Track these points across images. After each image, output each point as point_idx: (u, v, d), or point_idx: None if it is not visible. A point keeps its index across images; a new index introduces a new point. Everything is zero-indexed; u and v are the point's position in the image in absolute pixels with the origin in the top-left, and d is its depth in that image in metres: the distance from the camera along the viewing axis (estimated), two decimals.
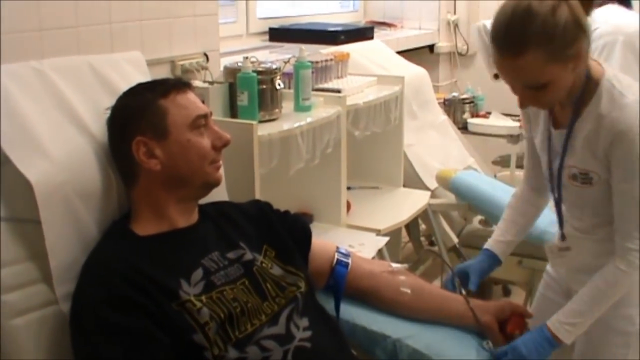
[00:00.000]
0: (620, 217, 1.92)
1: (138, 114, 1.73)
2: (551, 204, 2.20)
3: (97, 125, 1.80)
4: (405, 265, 2.14)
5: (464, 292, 2.11)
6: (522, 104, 1.89)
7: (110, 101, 1.82)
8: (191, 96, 1.78)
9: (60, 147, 1.70)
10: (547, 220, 2.38)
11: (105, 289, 1.56)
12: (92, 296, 1.57)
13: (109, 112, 1.79)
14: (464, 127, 4.65)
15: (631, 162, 1.83)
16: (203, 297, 1.63)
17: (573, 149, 1.95)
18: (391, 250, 3.04)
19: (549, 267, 2.33)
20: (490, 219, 3.57)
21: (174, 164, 1.72)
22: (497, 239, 2.27)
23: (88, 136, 1.78)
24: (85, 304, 1.57)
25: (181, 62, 2.69)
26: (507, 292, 4.26)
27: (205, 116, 1.77)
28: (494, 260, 2.23)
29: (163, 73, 2.53)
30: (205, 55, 2.81)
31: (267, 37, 4.10)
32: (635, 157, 1.82)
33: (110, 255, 1.64)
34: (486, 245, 2.27)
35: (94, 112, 1.82)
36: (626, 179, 1.86)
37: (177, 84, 1.79)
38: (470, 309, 2.03)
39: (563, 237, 2.13)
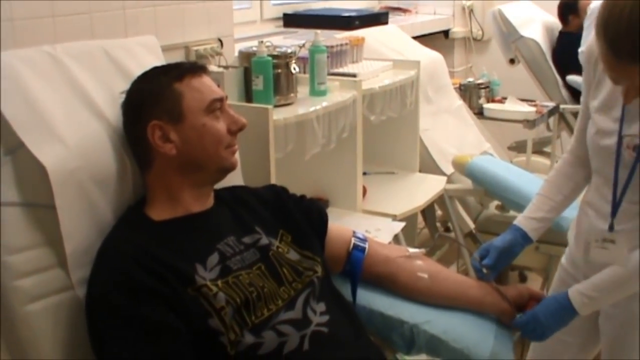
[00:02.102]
0: None
1: (153, 98, 1.71)
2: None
3: (112, 109, 1.79)
4: (422, 250, 2.12)
5: (485, 270, 2.08)
6: (629, 100, 1.79)
7: (125, 85, 1.80)
8: (206, 80, 1.76)
9: (75, 132, 1.68)
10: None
11: (120, 274, 1.55)
12: (107, 282, 1.56)
13: (123, 96, 1.78)
14: (479, 113, 4.62)
15: None
16: (219, 282, 1.62)
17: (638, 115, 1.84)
18: (407, 235, 3.03)
19: (564, 260, 2.27)
20: (507, 204, 3.55)
21: (189, 149, 1.71)
22: (527, 215, 2.16)
23: (103, 121, 1.76)
24: (100, 290, 1.56)
25: (195, 48, 2.68)
26: (523, 278, 4.24)
27: (221, 100, 1.75)
28: (521, 237, 2.13)
29: (177, 59, 2.50)
30: (220, 40, 2.79)
31: (281, 23, 4.09)
32: None
33: (125, 241, 1.63)
34: (515, 222, 2.17)
35: (109, 97, 1.81)
36: None
37: (192, 68, 1.77)
38: (495, 288, 2.01)
39: (611, 227, 1.99)
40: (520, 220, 2.17)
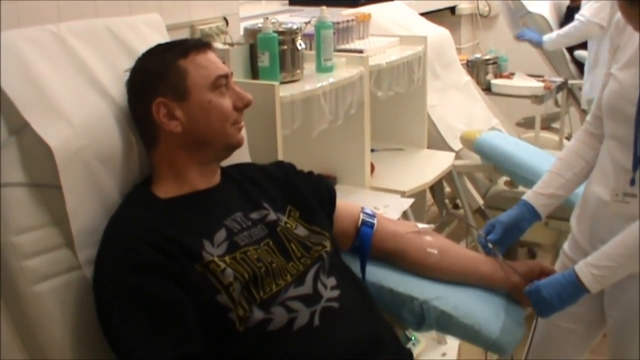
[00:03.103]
0: None
1: (157, 75, 1.69)
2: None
3: (117, 88, 1.77)
4: (432, 226, 2.10)
5: (490, 245, 2.06)
6: None
7: (130, 64, 1.78)
8: (211, 56, 1.74)
9: (80, 111, 1.66)
10: None
11: (127, 253, 1.54)
12: (114, 261, 1.55)
13: (128, 74, 1.76)
14: (487, 88, 4.61)
15: None
16: (227, 258, 1.61)
17: None
18: (416, 212, 3.02)
19: (566, 247, 2.24)
20: (516, 179, 3.54)
21: (195, 126, 1.69)
22: (536, 191, 2.15)
23: (108, 99, 1.74)
24: (107, 269, 1.55)
25: (200, 27, 2.66)
26: (532, 255, 4.22)
27: (226, 76, 1.73)
28: (529, 212, 2.13)
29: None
30: (225, 19, 2.77)
31: (287, 1, 4.06)
32: None
33: (132, 219, 1.62)
34: (524, 197, 2.17)
35: (113, 75, 1.79)
36: None
37: (196, 44, 1.75)
38: (502, 264, 2.00)
39: (633, 181, 1.94)
40: (529, 195, 2.16)
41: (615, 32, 2.01)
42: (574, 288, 1.87)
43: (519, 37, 4.92)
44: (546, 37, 4.73)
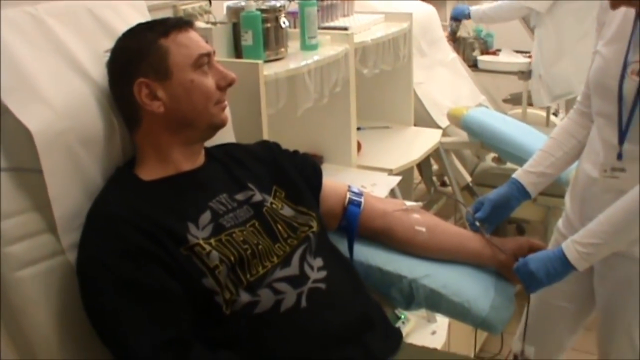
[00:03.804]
0: None
1: (138, 55, 1.66)
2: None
3: (97, 69, 1.74)
4: (420, 203, 2.10)
5: (478, 224, 2.05)
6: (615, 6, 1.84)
7: (110, 44, 1.74)
8: (193, 35, 1.72)
9: (60, 94, 1.63)
10: None
11: (111, 236, 1.52)
12: (98, 245, 1.53)
13: (108, 54, 1.73)
14: (474, 65, 4.60)
15: None
16: (212, 241, 1.59)
17: None
18: (403, 190, 3.03)
19: (560, 224, 2.24)
20: (504, 156, 3.54)
21: (177, 106, 1.66)
22: (526, 169, 2.16)
23: (88, 81, 1.71)
24: (91, 254, 1.53)
25: (183, 7, 2.64)
26: (521, 232, 4.23)
27: (209, 55, 1.71)
28: (518, 191, 2.14)
29: None
30: None
31: None
32: None
33: (115, 202, 1.60)
34: (513, 175, 2.17)
35: (94, 56, 1.76)
36: None
37: (177, 23, 1.72)
38: (488, 241, 1.99)
39: (620, 155, 1.94)
40: (519, 173, 2.17)
41: (601, 10, 2.01)
42: (562, 264, 1.87)
43: (453, 17, 4.82)
44: (473, 9, 4.63)
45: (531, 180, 2.14)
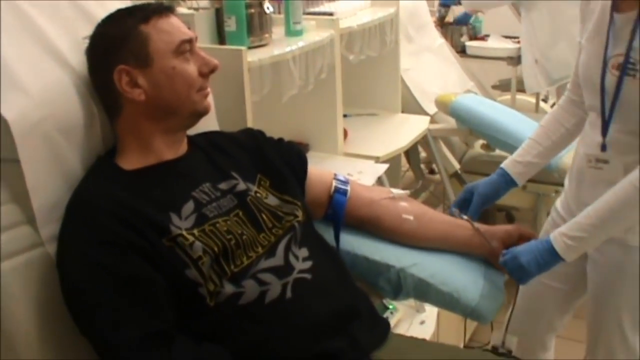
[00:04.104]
0: None
1: (118, 42, 1.64)
2: None
3: (76, 56, 1.72)
4: (407, 192, 2.09)
5: (465, 217, 2.06)
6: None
7: (89, 31, 1.72)
8: (174, 20, 1.70)
9: (37, 81, 1.61)
10: None
11: (92, 228, 1.51)
12: (79, 237, 1.52)
13: (87, 41, 1.71)
14: (462, 51, 4.60)
15: None
16: (195, 231, 1.58)
17: (623, 33, 1.87)
18: (391, 178, 3.02)
19: (558, 203, 2.26)
20: (493, 142, 3.54)
21: (159, 93, 1.65)
22: (514, 159, 2.19)
23: (67, 68, 1.69)
24: (72, 246, 1.52)
25: None
26: (510, 219, 4.24)
27: (190, 41, 1.69)
28: (506, 181, 2.17)
29: None
30: None
31: None
32: None
33: (96, 192, 1.58)
34: (502, 164, 2.20)
35: (72, 43, 1.73)
36: None
37: (158, 9, 1.70)
38: (477, 231, 1.99)
39: (604, 147, 1.98)
40: (507, 163, 2.20)
41: (582, 4, 2.04)
42: (550, 256, 1.88)
43: (442, 4, 4.81)
44: None
45: (519, 170, 2.17)
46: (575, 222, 1.89)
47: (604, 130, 1.96)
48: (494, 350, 2.07)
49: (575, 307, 2.36)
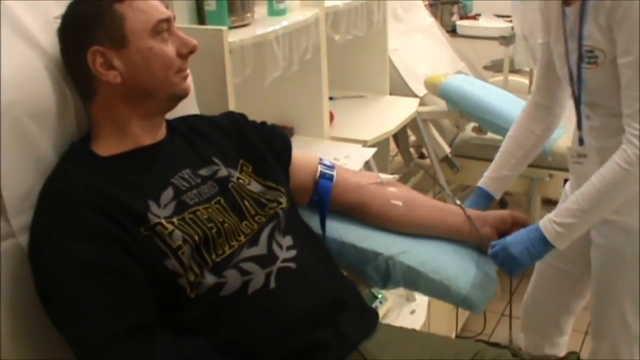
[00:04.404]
0: (625, 101, 1.84)
1: (91, 22, 1.62)
2: None
3: (47, 36, 1.69)
4: (396, 176, 2.08)
5: (457, 202, 2.06)
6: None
7: (60, 10, 1.70)
8: None
9: (7, 64, 1.58)
10: None
11: (65, 217, 1.49)
12: (52, 226, 1.49)
13: (59, 21, 1.68)
14: (452, 30, 4.60)
15: (631, 25, 1.76)
16: (174, 219, 1.57)
17: (584, 24, 1.90)
18: (379, 163, 3.03)
19: (567, 187, 2.27)
20: (484, 125, 3.53)
21: (135, 75, 1.63)
22: (491, 176, 2.23)
23: (37, 49, 1.66)
24: (45, 236, 1.50)
25: None
26: (503, 205, 4.23)
27: (168, 20, 1.67)
28: (486, 198, 2.21)
29: None
30: None
31: None
32: (635, 20, 1.75)
33: (70, 179, 1.56)
34: (480, 183, 2.24)
35: (43, 23, 1.70)
36: (628, 47, 1.79)
37: None
38: (468, 218, 1.98)
39: (581, 140, 2.05)
40: (485, 182, 2.24)
41: (542, 4, 2.08)
42: (542, 244, 1.90)
43: None
44: None
45: (496, 187, 2.23)
46: (564, 208, 1.90)
47: (579, 124, 2.04)
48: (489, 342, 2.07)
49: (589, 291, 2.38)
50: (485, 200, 2.21)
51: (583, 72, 1.93)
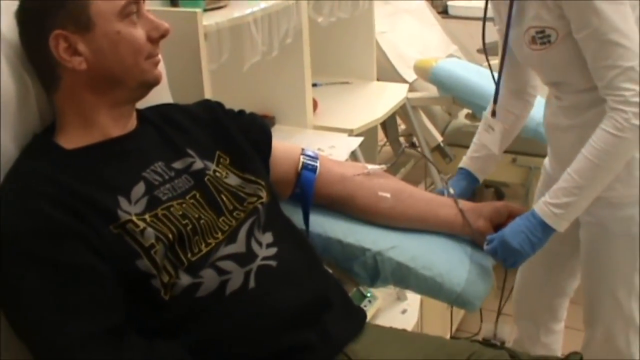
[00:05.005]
0: (596, 73, 1.89)
1: (53, 3, 1.60)
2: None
3: (4, 19, 1.66)
4: (383, 166, 2.08)
5: (451, 192, 2.06)
6: None
7: None
8: None
9: None
10: (542, 112, 2.35)
11: (28, 214, 1.47)
12: (14, 225, 1.47)
13: (17, 2, 1.66)
14: (444, 12, 4.59)
15: None
16: (147, 216, 1.56)
17: (526, 7, 1.99)
18: (366, 152, 3.02)
19: (546, 162, 2.32)
20: (478, 112, 3.52)
21: (102, 61, 1.61)
22: (471, 155, 2.30)
23: None
24: (7, 237, 1.47)
25: None
26: (500, 196, 4.24)
27: (137, 2, 1.65)
28: (471, 181, 2.27)
29: None
30: None
31: None
32: None
33: (33, 175, 1.54)
34: (461, 164, 2.29)
35: None
36: (582, 20, 1.85)
37: None
38: (460, 211, 1.98)
39: (493, 112, 2.24)
40: (466, 162, 2.30)
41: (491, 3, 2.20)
42: (542, 229, 1.92)
43: None
44: None
45: (479, 166, 2.29)
46: (558, 188, 1.92)
47: (495, 97, 2.27)
48: (486, 342, 2.07)
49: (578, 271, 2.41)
50: (469, 182, 2.27)
51: (539, 53, 1.99)
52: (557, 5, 1.88)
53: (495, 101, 2.24)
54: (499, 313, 2.18)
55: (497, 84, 2.24)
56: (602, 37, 1.82)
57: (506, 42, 2.12)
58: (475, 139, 2.32)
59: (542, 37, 1.95)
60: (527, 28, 1.99)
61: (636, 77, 1.81)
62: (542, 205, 1.92)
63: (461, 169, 2.29)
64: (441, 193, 2.14)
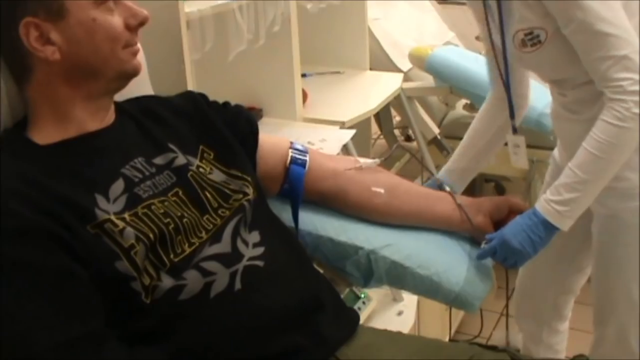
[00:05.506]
0: (589, 66, 1.90)
1: None
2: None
3: None
4: (377, 160, 2.08)
5: (447, 188, 2.06)
6: None
7: None
8: None
9: None
10: (544, 101, 2.35)
11: (1, 213, 1.45)
12: None
13: None
14: None
15: None
16: (126, 215, 1.55)
17: (511, 11, 2.00)
18: (359, 147, 3.03)
19: (555, 153, 2.33)
20: (477, 102, 3.52)
21: (77, 51, 1.60)
22: (448, 167, 2.33)
23: None
24: None
25: None
26: (500, 191, 4.24)
27: None
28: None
29: None
30: None
31: None
32: None
33: (3, 172, 1.53)
34: (438, 174, 2.32)
35: None
36: (566, 14, 1.87)
37: None
38: (458, 207, 1.98)
39: (514, 129, 2.24)
40: (442, 172, 2.34)
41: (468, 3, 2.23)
42: (545, 228, 1.93)
43: None
44: None
45: (454, 179, 2.31)
46: (560, 184, 1.93)
47: (511, 112, 2.25)
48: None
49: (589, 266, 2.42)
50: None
51: (532, 55, 2.01)
52: (539, 3, 1.89)
53: (512, 116, 2.24)
54: (507, 317, 2.17)
55: (510, 99, 2.22)
56: (589, 29, 1.84)
57: (504, 47, 2.11)
58: (455, 151, 2.36)
59: (531, 39, 1.97)
60: (515, 32, 2.00)
61: (631, 65, 1.82)
62: (544, 202, 1.92)
63: (433, 180, 2.30)
64: (434, 186, 2.15)
